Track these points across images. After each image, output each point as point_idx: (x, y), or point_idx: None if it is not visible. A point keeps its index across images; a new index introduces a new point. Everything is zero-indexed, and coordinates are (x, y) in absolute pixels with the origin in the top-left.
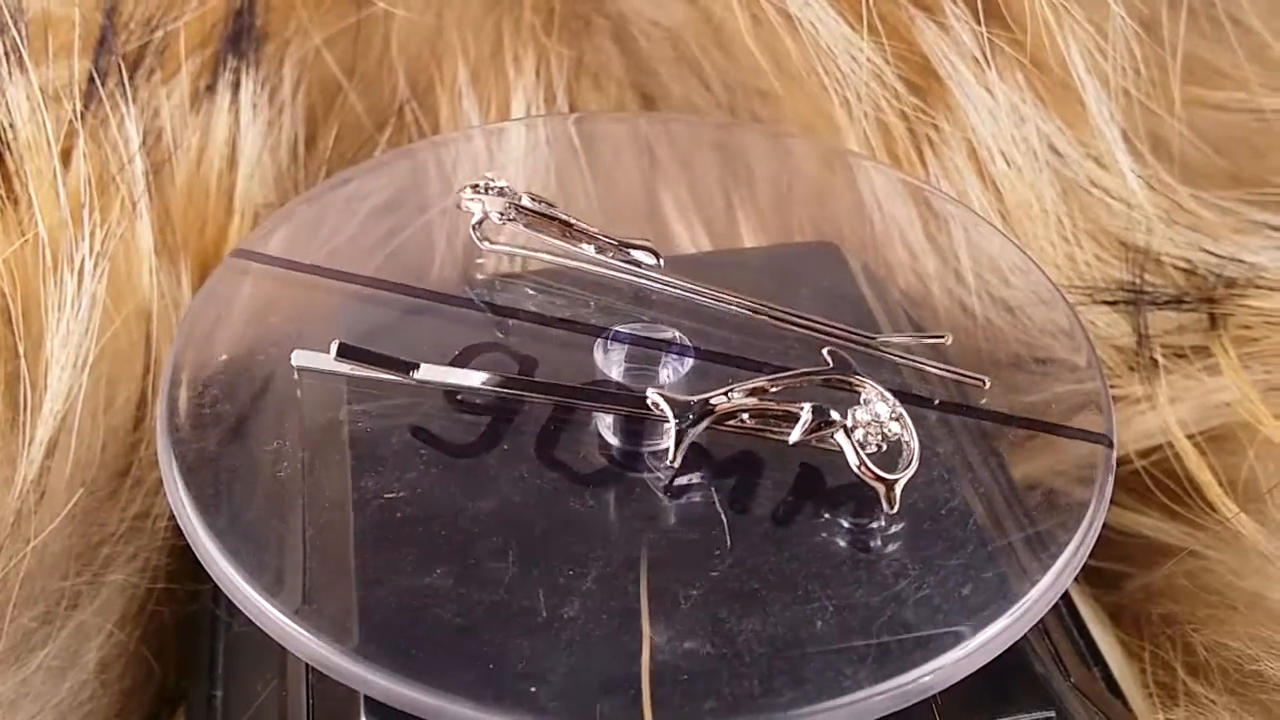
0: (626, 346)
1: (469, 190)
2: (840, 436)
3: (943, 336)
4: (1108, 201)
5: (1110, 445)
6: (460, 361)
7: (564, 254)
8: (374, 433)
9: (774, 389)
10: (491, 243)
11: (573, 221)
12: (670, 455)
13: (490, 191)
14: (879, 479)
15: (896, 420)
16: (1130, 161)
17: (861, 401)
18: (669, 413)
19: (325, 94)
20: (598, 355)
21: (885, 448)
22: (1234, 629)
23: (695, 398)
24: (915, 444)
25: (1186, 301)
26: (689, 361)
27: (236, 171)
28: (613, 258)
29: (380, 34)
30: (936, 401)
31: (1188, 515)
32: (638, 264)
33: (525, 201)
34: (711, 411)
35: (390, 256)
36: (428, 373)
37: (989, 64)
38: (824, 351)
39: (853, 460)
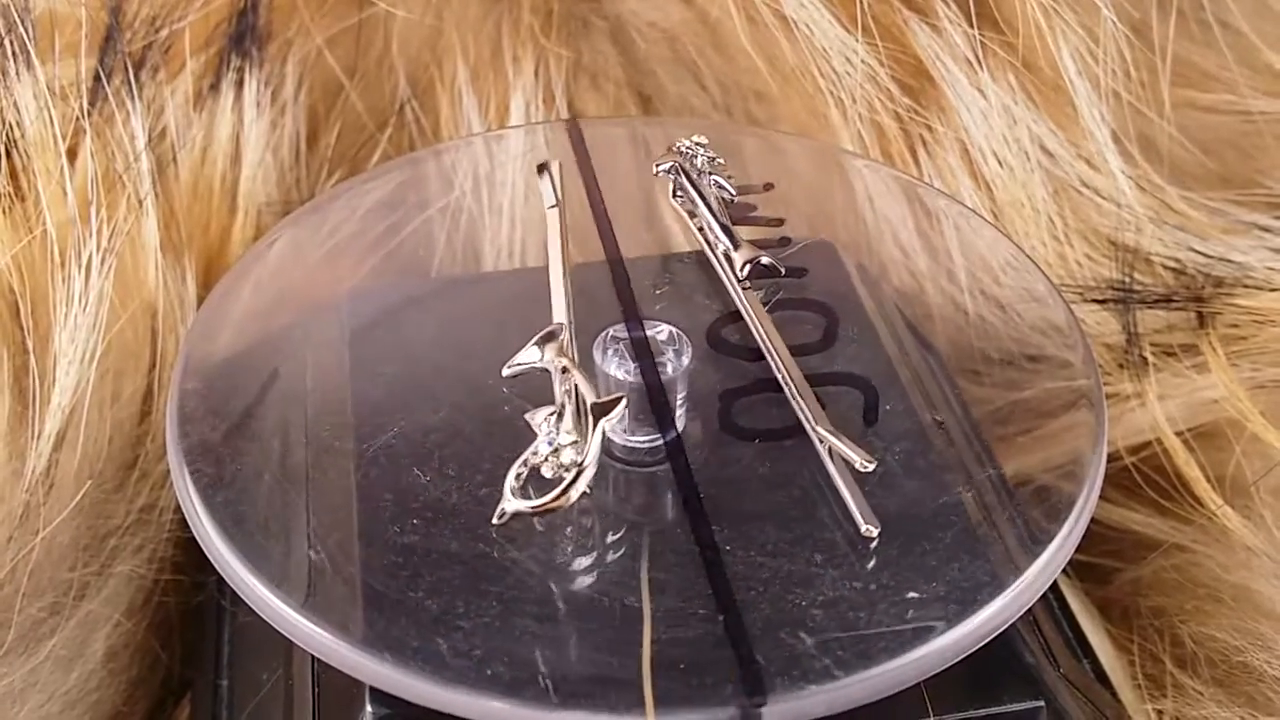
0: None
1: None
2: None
3: (866, 464)
4: (1098, 201)
5: None
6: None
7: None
8: (379, 425)
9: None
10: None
11: (712, 205)
12: None
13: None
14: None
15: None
16: (1120, 162)
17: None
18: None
19: (327, 93)
20: (597, 349)
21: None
22: (1221, 621)
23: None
24: (559, 499)
25: (1175, 300)
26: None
27: (240, 170)
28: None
29: (381, 34)
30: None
31: (1176, 510)
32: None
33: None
34: None
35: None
36: None
37: (981, 66)
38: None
39: (510, 474)
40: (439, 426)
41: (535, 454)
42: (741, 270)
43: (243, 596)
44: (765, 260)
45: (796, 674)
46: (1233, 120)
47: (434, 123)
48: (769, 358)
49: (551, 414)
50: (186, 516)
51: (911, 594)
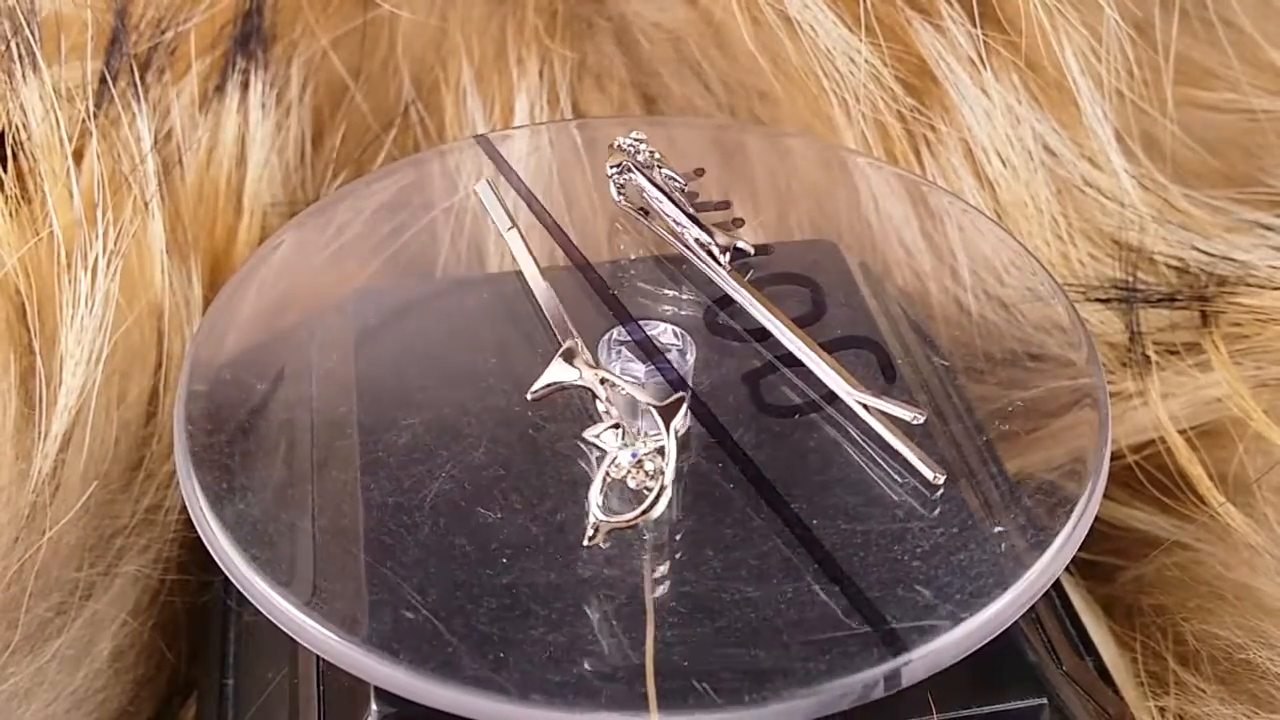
0: (630, 340)
1: (617, 145)
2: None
3: (915, 415)
4: (1101, 201)
5: None
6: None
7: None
8: (383, 427)
9: None
10: (629, 202)
11: (673, 196)
12: None
13: (625, 149)
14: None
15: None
16: (1124, 161)
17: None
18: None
19: (332, 95)
20: (602, 354)
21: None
22: (1223, 619)
23: None
24: (651, 507)
25: (1179, 299)
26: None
27: (245, 171)
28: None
29: (386, 36)
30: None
31: (1179, 509)
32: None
33: (652, 172)
34: None
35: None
36: None
37: (985, 65)
38: (677, 394)
39: (594, 490)
40: (443, 425)
41: (617, 467)
42: (726, 256)
43: (248, 596)
44: (741, 244)
45: (927, 625)
46: (1235, 119)
47: (439, 124)
48: (780, 336)
49: (611, 427)
50: (192, 517)
51: (998, 528)
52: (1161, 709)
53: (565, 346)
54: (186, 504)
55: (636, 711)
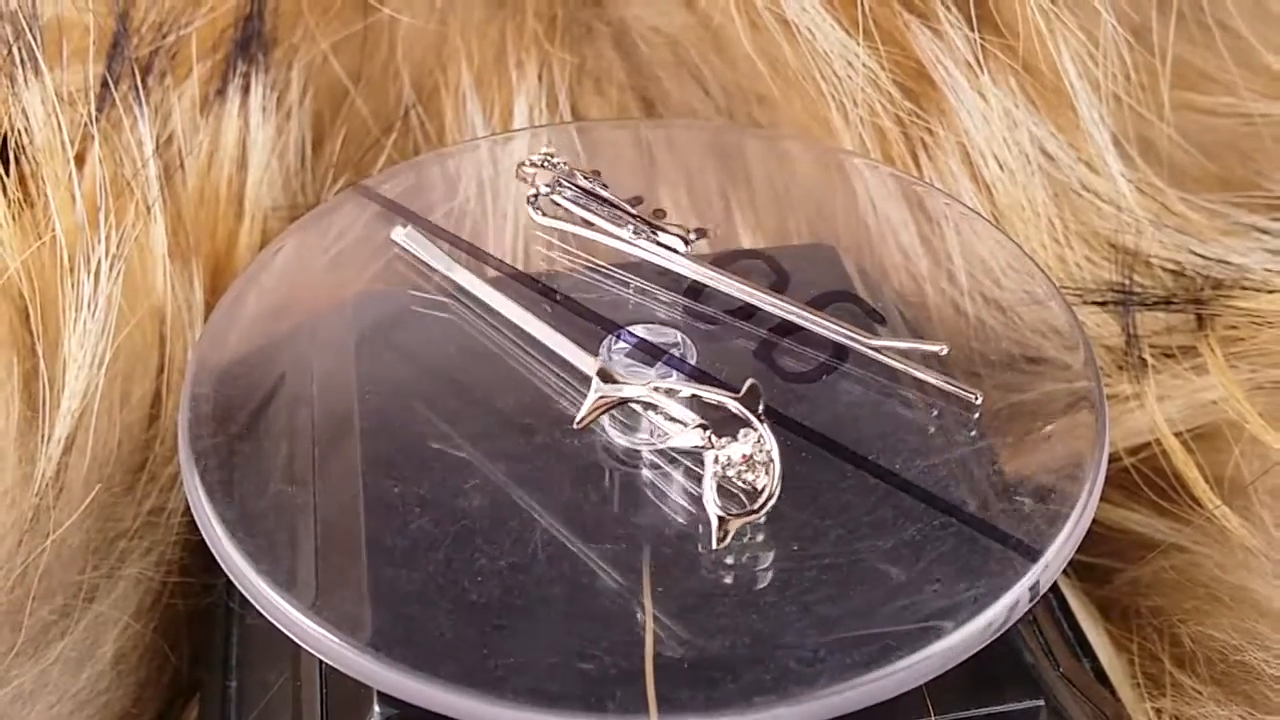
0: (629, 347)
1: (529, 163)
2: (708, 459)
3: (940, 347)
4: (1098, 204)
5: None
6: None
7: (603, 232)
8: (386, 429)
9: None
10: (545, 214)
11: (614, 200)
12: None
13: (546, 166)
14: (718, 511)
15: (764, 468)
16: (1120, 165)
17: (739, 436)
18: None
19: (332, 99)
20: (602, 353)
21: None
22: (1219, 621)
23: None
24: (771, 494)
25: (1175, 302)
26: (690, 360)
27: (246, 175)
28: (645, 239)
29: (386, 40)
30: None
31: (1175, 511)
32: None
33: (578, 180)
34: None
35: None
36: None
37: (982, 69)
38: (748, 381)
39: (707, 492)
40: (445, 427)
41: (729, 466)
42: (686, 246)
43: (250, 599)
44: (692, 234)
45: (1043, 527)
46: (1232, 122)
47: (438, 127)
48: (773, 308)
49: (697, 426)
50: (196, 519)
51: (1048, 428)
52: (1158, 710)
53: (599, 367)
54: (190, 506)
55: (639, 713)
